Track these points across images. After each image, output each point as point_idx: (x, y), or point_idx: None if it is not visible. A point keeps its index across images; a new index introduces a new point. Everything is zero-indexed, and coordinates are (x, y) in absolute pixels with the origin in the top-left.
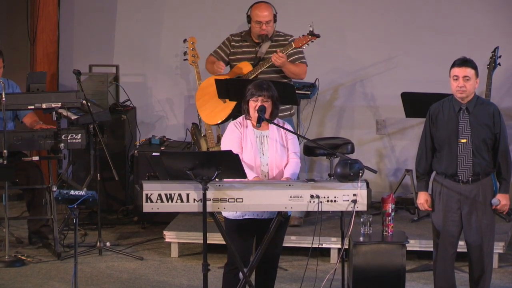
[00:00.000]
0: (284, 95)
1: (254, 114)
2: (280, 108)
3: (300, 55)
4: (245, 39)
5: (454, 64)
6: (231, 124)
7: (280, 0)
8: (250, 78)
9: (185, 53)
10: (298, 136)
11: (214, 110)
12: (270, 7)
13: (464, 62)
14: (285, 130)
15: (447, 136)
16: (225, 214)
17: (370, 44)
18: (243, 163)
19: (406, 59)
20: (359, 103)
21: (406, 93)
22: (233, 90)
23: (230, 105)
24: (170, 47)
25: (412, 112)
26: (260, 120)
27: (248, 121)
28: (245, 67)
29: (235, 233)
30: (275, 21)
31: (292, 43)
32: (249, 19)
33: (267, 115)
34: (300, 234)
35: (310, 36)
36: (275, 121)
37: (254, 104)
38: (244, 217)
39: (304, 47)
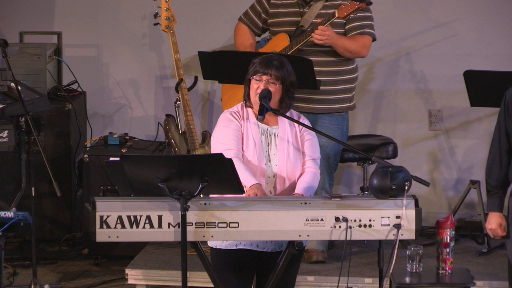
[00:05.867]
0: (299, 75)
1: (255, 99)
2: (335, 97)
3: (364, 22)
4: None
5: None
6: (226, 113)
7: None
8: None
9: (156, 15)
10: (322, 135)
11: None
12: None
13: None
14: (300, 127)
15: None
16: (211, 243)
17: (419, 4)
18: (243, 166)
19: (470, 24)
20: (404, 86)
21: (471, 71)
22: (224, 67)
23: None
24: (135, 6)
25: (479, 99)
26: (263, 111)
27: (250, 111)
28: (281, 42)
29: (226, 270)
30: None
31: (336, 11)
32: None
33: (272, 104)
34: (320, 273)
35: (358, 3)
36: (287, 114)
37: (256, 86)
38: (238, 247)
39: (351, 16)
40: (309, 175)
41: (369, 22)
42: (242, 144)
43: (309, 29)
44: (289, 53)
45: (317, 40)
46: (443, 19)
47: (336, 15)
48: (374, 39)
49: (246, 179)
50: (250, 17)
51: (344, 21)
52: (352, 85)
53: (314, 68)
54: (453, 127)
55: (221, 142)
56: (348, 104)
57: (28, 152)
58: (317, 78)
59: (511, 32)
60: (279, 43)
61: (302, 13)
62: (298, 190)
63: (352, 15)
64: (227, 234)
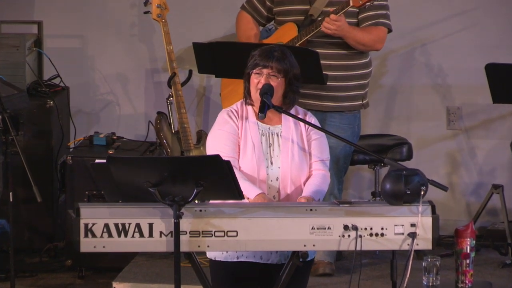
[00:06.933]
0: (303, 68)
1: (256, 95)
2: (346, 94)
3: (379, 11)
4: None
5: None
6: (223, 114)
7: None
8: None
9: (146, 3)
10: (330, 135)
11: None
12: None
13: None
14: (307, 125)
15: None
16: (210, 254)
17: None
18: (239, 174)
19: (493, 13)
20: (420, 80)
21: (493, 65)
22: (222, 60)
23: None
24: None
25: (503, 95)
26: (264, 108)
27: (250, 109)
28: (288, 32)
29: (227, 284)
30: None
31: (350, 0)
32: None
33: (275, 100)
34: (327, 287)
35: None
36: (292, 111)
37: (256, 80)
38: (239, 259)
39: (367, 5)
40: (317, 178)
41: (384, 12)
42: (240, 147)
43: (319, 18)
44: (297, 44)
45: (325, 29)
46: (463, 7)
47: (351, 4)
48: (390, 31)
49: (246, 189)
50: (253, 5)
51: (358, 10)
52: (366, 81)
53: (324, 62)
54: (473, 126)
55: (215, 147)
56: (361, 102)
57: (6, 153)
58: (324, 73)
59: None
60: (285, 33)
61: (312, 0)
62: (306, 193)
63: (368, 4)
64: (225, 243)
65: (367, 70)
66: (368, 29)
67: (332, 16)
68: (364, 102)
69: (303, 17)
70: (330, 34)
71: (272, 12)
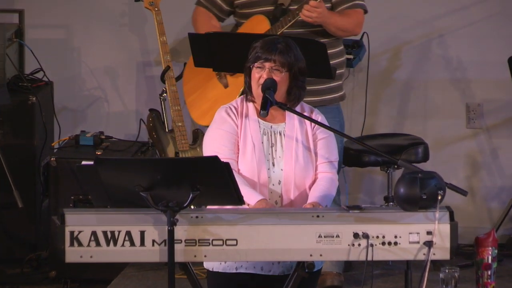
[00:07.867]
0: (309, 62)
1: (258, 91)
2: (328, 86)
3: None
4: None
5: None
6: (221, 111)
7: None
8: None
9: None
10: (340, 134)
11: (214, 102)
12: None
13: None
14: (313, 124)
15: None
16: (207, 265)
17: None
18: (239, 178)
19: None
20: (437, 74)
21: None
22: (220, 52)
23: (237, 89)
24: None
25: None
26: (266, 105)
27: (250, 106)
28: (259, 25)
29: None
30: None
31: None
32: None
33: (278, 96)
34: None
35: None
36: (298, 108)
37: (258, 75)
38: (238, 271)
39: None
40: (324, 182)
41: None
42: (239, 147)
43: (292, 7)
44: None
45: (306, 17)
46: None
47: None
48: (365, 12)
49: (246, 195)
50: (211, 0)
51: None
52: (342, 70)
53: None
54: (495, 125)
55: (212, 149)
56: (341, 93)
57: None
58: (332, 66)
59: None
60: (255, 26)
61: None
62: (312, 198)
63: None
64: (224, 253)
65: (342, 59)
66: (346, 13)
67: (312, 2)
68: (342, 93)
69: (273, 8)
70: (311, 23)
71: (233, 5)
